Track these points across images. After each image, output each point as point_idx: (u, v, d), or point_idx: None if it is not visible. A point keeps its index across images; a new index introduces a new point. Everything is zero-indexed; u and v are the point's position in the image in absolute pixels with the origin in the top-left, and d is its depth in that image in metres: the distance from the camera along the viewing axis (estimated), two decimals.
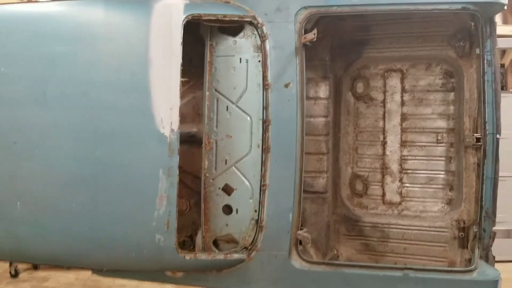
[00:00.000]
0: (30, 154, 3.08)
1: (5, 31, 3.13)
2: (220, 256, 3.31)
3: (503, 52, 7.40)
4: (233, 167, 3.39)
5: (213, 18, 3.22)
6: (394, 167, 3.89)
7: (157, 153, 3.03)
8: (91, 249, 3.15)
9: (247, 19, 3.32)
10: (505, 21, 7.25)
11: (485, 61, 3.31)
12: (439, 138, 3.77)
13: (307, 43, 3.29)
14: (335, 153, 3.87)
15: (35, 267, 6.24)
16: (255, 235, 3.34)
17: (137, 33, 3.07)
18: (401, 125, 3.87)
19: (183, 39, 3.12)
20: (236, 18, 3.30)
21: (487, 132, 3.29)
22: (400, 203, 3.89)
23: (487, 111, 3.30)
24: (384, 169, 3.91)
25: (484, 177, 3.28)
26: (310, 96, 3.71)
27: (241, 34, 3.39)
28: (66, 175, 3.07)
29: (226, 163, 3.40)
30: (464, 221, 3.49)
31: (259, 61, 3.33)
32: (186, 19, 3.11)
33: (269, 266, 3.35)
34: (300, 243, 3.56)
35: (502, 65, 7.41)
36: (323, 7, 3.28)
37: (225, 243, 3.50)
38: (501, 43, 5.17)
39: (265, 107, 3.30)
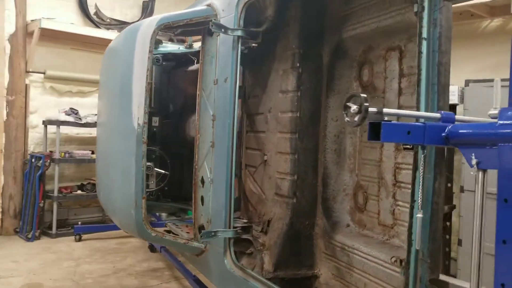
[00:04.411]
0: (101, 137, 4.44)
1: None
2: (181, 241, 3.58)
3: None
4: (204, 161, 3.57)
5: (182, 23, 3.54)
6: (388, 177, 2.90)
7: (131, 143, 3.68)
8: (111, 212, 4.15)
9: (211, 19, 3.44)
10: None
11: (424, 21, 2.20)
12: None
13: (243, 35, 3.12)
14: (311, 155, 3.24)
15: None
16: None
17: (131, 45, 3.80)
18: (397, 120, 2.85)
19: None
20: (202, 20, 3.48)
21: None
22: (392, 227, 2.87)
23: (424, 97, 2.18)
24: (380, 179, 2.98)
25: (416, 198, 2.21)
26: (282, 90, 3.32)
27: (214, 33, 3.52)
28: (105, 155, 4.20)
29: (203, 157, 3.62)
30: (401, 260, 2.37)
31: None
32: (159, 29, 3.59)
33: (216, 261, 3.36)
34: (253, 244, 3.38)
35: None
36: None
37: None
38: None
39: (214, 103, 3.35)
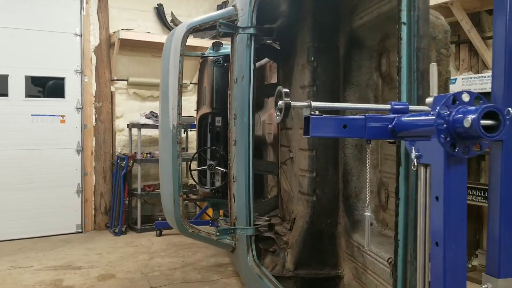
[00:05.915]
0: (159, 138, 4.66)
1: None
2: (214, 237, 3.66)
3: None
4: (234, 159, 3.62)
5: (208, 26, 3.62)
6: None
7: (170, 144, 3.85)
8: (163, 208, 4.36)
9: (233, 18, 3.48)
10: None
11: (403, 3, 2.04)
12: None
13: (255, 32, 3.11)
14: (330, 151, 3.10)
15: None
16: None
17: (168, 49, 3.96)
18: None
19: None
20: (224, 21, 3.52)
21: None
22: None
23: (405, 85, 2.03)
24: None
25: (400, 193, 2.09)
26: (300, 85, 3.23)
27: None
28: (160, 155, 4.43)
29: (233, 155, 3.67)
30: (392, 260, 2.20)
31: None
32: (188, 33, 3.71)
33: (243, 257, 3.39)
34: (275, 242, 3.36)
35: None
36: None
37: None
38: None
39: (235, 101, 3.38)
